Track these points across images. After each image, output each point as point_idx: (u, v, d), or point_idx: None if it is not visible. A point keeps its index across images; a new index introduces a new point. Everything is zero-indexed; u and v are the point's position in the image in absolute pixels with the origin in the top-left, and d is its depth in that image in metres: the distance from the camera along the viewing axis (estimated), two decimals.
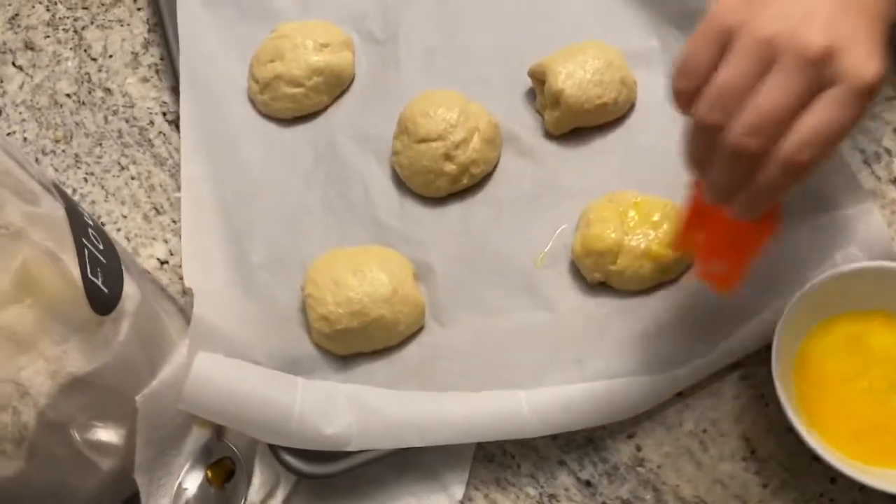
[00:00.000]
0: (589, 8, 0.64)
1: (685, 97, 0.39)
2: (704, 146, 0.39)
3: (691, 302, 0.52)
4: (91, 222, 0.45)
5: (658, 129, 0.59)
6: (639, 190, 0.56)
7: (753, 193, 0.38)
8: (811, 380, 0.48)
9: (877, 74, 0.36)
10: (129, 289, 0.48)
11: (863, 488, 0.48)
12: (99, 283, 0.42)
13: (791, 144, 0.36)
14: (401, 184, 0.60)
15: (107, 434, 0.49)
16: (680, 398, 0.51)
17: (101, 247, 0.44)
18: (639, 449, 0.50)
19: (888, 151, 0.57)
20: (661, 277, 0.53)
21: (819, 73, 0.36)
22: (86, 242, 0.42)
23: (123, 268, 0.48)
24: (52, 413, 0.43)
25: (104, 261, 0.44)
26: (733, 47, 0.37)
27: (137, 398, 0.47)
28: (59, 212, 0.44)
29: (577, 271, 0.55)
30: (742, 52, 0.37)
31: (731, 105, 0.37)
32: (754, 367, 0.51)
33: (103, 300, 0.43)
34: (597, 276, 0.53)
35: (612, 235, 0.52)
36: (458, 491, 0.50)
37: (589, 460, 0.50)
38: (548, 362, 0.51)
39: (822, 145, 0.36)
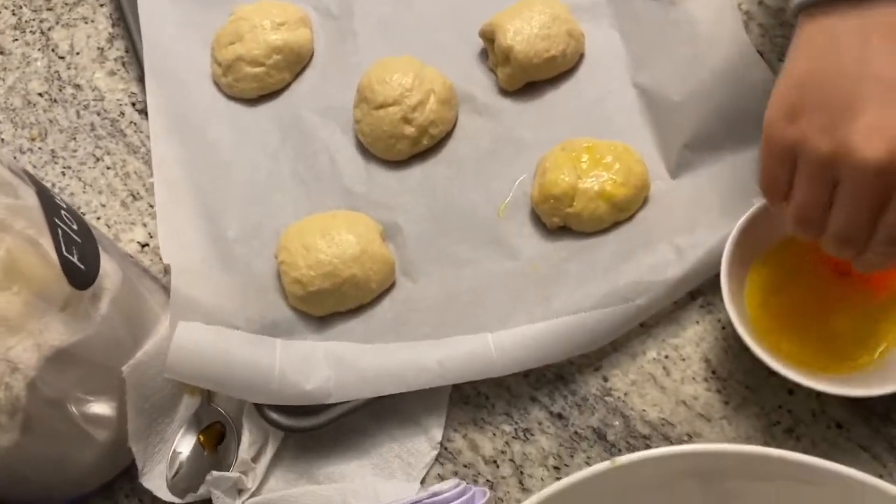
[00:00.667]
0: None
1: (778, 210, 0.43)
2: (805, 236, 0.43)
3: (646, 236, 0.54)
4: (64, 205, 0.48)
5: (606, 79, 0.61)
6: (591, 136, 0.58)
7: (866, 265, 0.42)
8: (764, 300, 0.51)
9: None
10: (108, 267, 0.50)
11: (818, 396, 0.50)
12: (75, 259, 0.45)
13: (878, 245, 0.39)
14: (365, 151, 0.62)
15: (100, 407, 0.52)
16: (643, 329, 0.53)
17: (74, 227, 0.47)
18: (606, 380, 0.53)
19: None
20: (617, 216, 0.55)
21: (882, 183, 0.37)
22: (59, 222, 0.45)
23: (101, 248, 0.50)
24: (46, 388, 0.46)
25: (79, 240, 0.46)
26: (799, 169, 0.40)
27: (123, 369, 0.49)
28: (33, 198, 0.46)
29: (537, 218, 0.57)
30: (807, 177, 0.40)
31: (815, 221, 0.40)
32: (711, 294, 0.54)
33: (80, 276, 0.45)
34: (556, 220, 0.56)
35: (567, 179, 0.55)
36: (437, 433, 0.52)
37: (559, 394, 0.53)
38: (513, 305, 0.53)
39: None
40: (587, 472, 0.39)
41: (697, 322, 0.53)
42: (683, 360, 0.52)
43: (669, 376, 0.52)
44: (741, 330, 0.47)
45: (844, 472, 0.37)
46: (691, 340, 0.53)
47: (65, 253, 0.44)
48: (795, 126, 0.39)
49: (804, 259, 0.51)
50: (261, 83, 0.64)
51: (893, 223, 0.38)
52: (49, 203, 0.45)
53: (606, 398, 0.52)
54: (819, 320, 0.50)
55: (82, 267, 0.46)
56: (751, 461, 0.39)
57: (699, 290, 0.54)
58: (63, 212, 0.47)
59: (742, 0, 0.62)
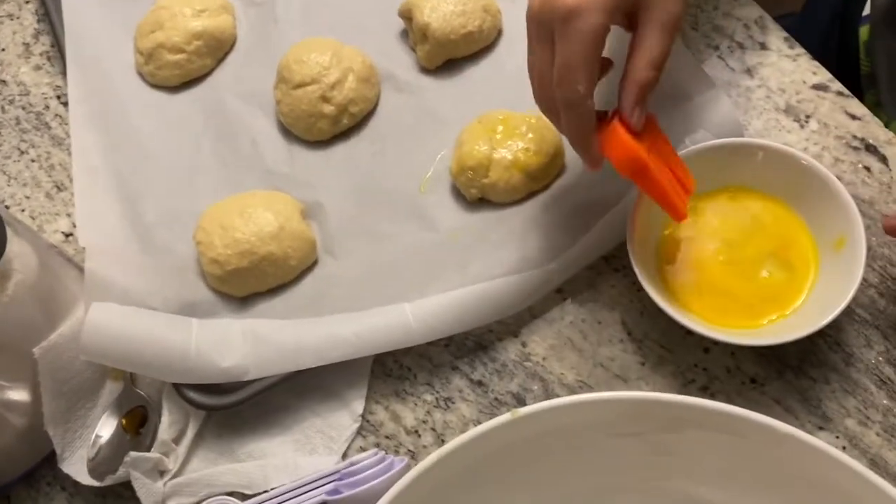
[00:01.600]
0: None
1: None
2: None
3: (559, 204, 0.55)
4: None
5: (522, 51, 0.61)
6: (508, 109, 0.58)
7: (569, 133, 0.48)
8: (675, 260, 0.51)
9: (569, 3, 0.43)
10: (21, 251, 0.50)
11: (733, 354, 0.51)
12: None
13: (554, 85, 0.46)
14: (287, 132, 0.62)
15: (16, 393, 0.51)
16: (560, 294, 0.54)
17: None
18: (524, 345, 0.53)
19: (740, 45, 0.60)
20: (532, 186, 0.56)
21: (547, 26, 0.45)
22: None
23: (14, 233, 0.50)
24: None
25: None
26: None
27: (35, 350, 0.49)
28: None
29: (458, 192, 0.57)
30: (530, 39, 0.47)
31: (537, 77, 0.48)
32: (626, 258, 0.54)
33: None
34: (473, 191, 0.56)
35: (482, 150, 0.55)
36: (359, 406, 0.52)
37: (479, 362, 0.53)
38: (431, 275, 0.53)
39: (568, 81, 0.45)
40: (489, 424, 0.40)
41: (613, 286, 0.54)
42: (600, 323, 0.53)
43: (586, 339, 0.52)
44: (650, 290, 0.47)
45: (742, 414, 0.38)
46: (607, 304, 0.53)
47: None
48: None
49: (711, 217, 0.51)
50: (182, 70, 0.64)
51: (559, 59, 0.45)
52: None
53: (525, 363, 0.52)
54: (730, 281, 0.50)
55: None
56: (646, 407, 0.39)
57: (614, 255, 0.54)
58: None
59: None
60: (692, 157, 0.50)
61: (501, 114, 0.57)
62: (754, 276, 0.50)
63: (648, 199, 0.49)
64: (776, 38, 0.59)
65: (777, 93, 0.58)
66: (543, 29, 0.46)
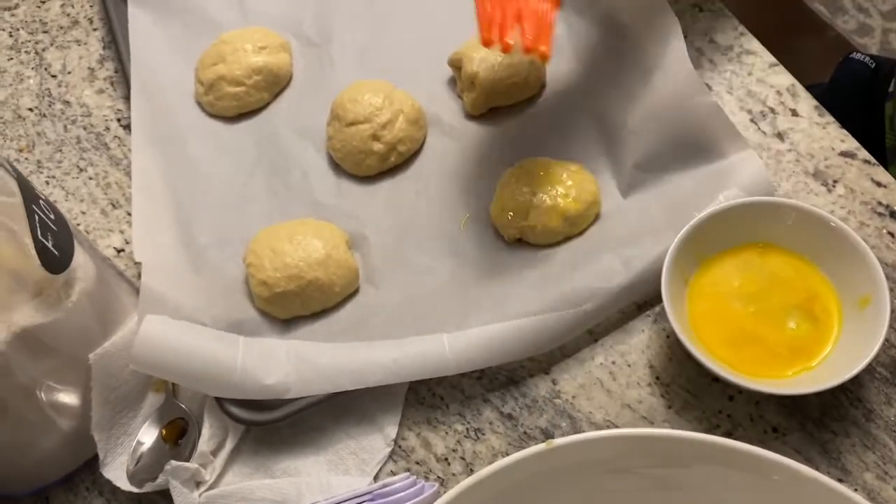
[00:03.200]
0: None
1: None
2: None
3: (596, 248, 0.57)
4: (42, 196, 0.50)
5: (564, 105, 0.64)
6: (548, 157, 0.61)
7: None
8: (705, 309, 0.53)
9: None
10: (82, 259, 0.52)
11: (757, 403, 0.52)
12: (49, 245, 0.47)
13: None
14: (336, 166, 0.65)
15: (67, 396, 0.54)
16: (591, 336, 0.56)
17: (51, 216, 0.49)
18: (555, 383, 0.55)
19: (772, 110, 0.63)
20: (569, 230, 0.58)
21: None
22: (36, 210, 0.47)
23: (76, 242, 0.53)
24: (15, 370, 0.48)
25: (55, 228, 0.49)
26: None
27: (90, 356, 0.51)
28: (12, 185, 0.48)
29: (496, 231, 0.60)
30: None
31: None
32: (657, 304, 0.56)
33: (54, 261, 0.48)
34: (512, 232, 0.59)
35: (522, 195, 0.58)
36: (392, 431, 0.54)
37: (510, 396, 0.55)
38: (468, 308, 0.56)
39: None
40: (524, 453, 0.41)
41: (643, 331, 0.56)
42: (629, 366, 0.55)
43: (616, 381, 0.54)
44: (682, 336, 0.50)
45: (774, 459, 0.40)
46: (637, 348, 0.55)
47: (40, 237, 0.47)
48: None
49: (749, 264, 0.54)
50: (240, 102, 0.68)
51: None
52: (28, 191, 0.48)
53: (555, 400, 0.54)
54: (757, 330, 0.52)
55: (56, 253, 0.48)
56: (678, 445, 0.41)
57: (646, 302, 0.56)
58: (41, 202, 0.49)
59: (695, 38, 0.67)
60: (726, 213, 0.53)
61: (542, 161, 0.60)
62: (781, 326, 0.52)
63: (681, 251, 0.52)
64: (807, 105, 0.63)
65: (806, 157, 0.61)
66: None
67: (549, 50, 0.52)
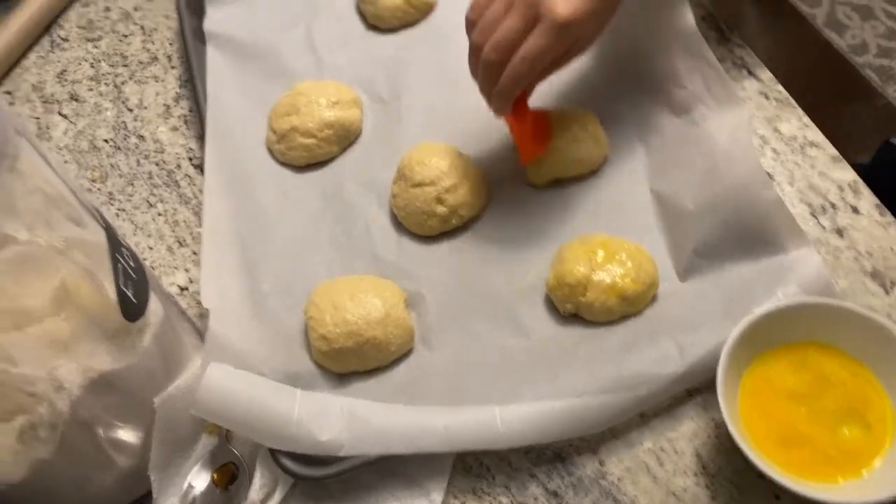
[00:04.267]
0: (571, 77, 0.72)
1: (469, 26, 0.58)
2: (475, 62, 0.58)
3: (652, 331, 0.58)
4: (124, 244, 0.52)
5: (626, 182, 0.66)
6: (608, 233, 0.62)
7: (497, 93, 0.58)
8: (757, 404, 0.54)
9: (566, 15, 0.53)
10: (154, 305, 0.55)
11: None
12: (129, 294, 0.49)
13: (514, 60, 0.55)
14: (398, 224, 0.67)
15: (127, 434, 0.55)
16: (641, 419, 0.56)
17: (132, 264, 0.51)
18: (602, 464, 0.55)
19: (833, 205, 0.63)
20: (626, 310, 0.59)
21: (533, 7, 0.53)
22: (120, 258, 0.49)
23: (149, 285, 0.55)
24: (83, 410, 0.50)
25: (134, 276, 0.51)
26: None
27: (155, 400, 0.53)
28: (100, 234, 0.51)
29: (551, 303, 0.61)
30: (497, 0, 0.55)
31: (488, 32, 0.56)
32: (708, 392, 0.57)
33: (132, 309, 0.50)
34: (568, 307, 0.60)
35: (581, 270, 0.59)
36: (438, 497, 0.55)
37: (557, 473, 0.55)
38: (521, 381, 0.57)
39: (531, 62, 0.55)
40: None
41: (693, 418, 0.56)
42: (677, 453, 0.55)
43: (662, 467, 0.55)
44: (733, 430, 0.50)
45: None
46: (686, 435, 0.56)
47: (122, 287, 0.49)
48: None
49: (804, 363, 0.54)
50: (310, 153, 0.70)
51: (524, 49, 0.54)
52: (114, 240, 0.50)
53: (601, 481, 0.55)
54: (807, 431, 0.53)
55: (135, 301, 0.50)
56: None
57: (697, 389, 0.57)
58: (123, 249, 0.51)
59: (759, 125, 0.68)
60: (784, 311, 0.54)
61: (602, 237, 0.61)
62: (833, 430, 0.52)
63: (737, 346, 0.52)
64: (868, 203, 0.63)
65: (865, 256, 0.61)
66: (524, 6, 0.54)
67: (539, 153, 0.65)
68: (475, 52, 0.58)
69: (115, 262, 0.49)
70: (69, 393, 0.47)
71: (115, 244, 0.50)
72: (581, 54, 0.60)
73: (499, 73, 0.57)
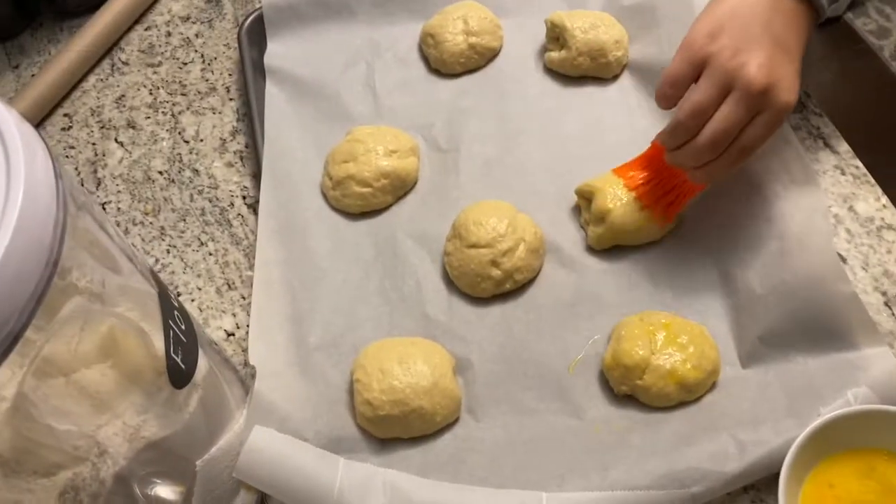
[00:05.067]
0: (635, 134, 0.69)
1: (667, 101, 0.57)
2: (679, 137, 0.56)
3: (710, 422, 0.56)
4: (177, 304, 0.51)
5: (692, 255, 0.63)
6: (669, 309, 0.60)
7: (710, 171, 0.57)
8: None
9: (792, 103, 0.54)
10: (200, 360, 0.54)
11: None
12: (179, 360, 0.48)
13: (733, 149, 0.55)
14: (450, 282, 0.65)
15: (165, 491, 0.54)
16: None
17: (182, 327, 0.50)
18: None
19: None
20: (684, 397, 0.57)
21: (758, 102, 0.53)
22: (171, 325, 0.48)
23: (199, 344, 0.54)
24: (124, 469, 0.49)
25: (185, 340, 0.50)
26: (706, 73, 0.54)
27: (198, 462, 0.52)
28: (151, 291, 0.50)
29: (605, 382, 0.59)
30: (711, 79, 0.54)
31: (702, 117, 0.54)
32: (765, 490, 0.54)
33: (181, 375, 0.49)
34: (624, 388, 0.57)
35: (641, 352, 0.57)
36: None
37: None
38: (571, 467, 0.55)
39: (751, 151, 0.55)
40: None
41: None
42: None
43: None
44: None
45: None
46: None
47: (172, 354, 0.48)
48: (713, 44, 0.55)
49: (872, 472, 0.51)
50: (365, 202, 0.69)
51: (748, 137, 0.54)
52: (167, 304, 0.49)
53: None
54: None
55: (184, 367, 0.49)
56: None
57: (752, 484, 0.54)
58: (176, 311, 0.50)
59: (833, 203, 0.65)
60: (853, 416, 0.51)
61: (665, 317, 0.59)
62: None
63: (804, 446, 0.50)
64: None
65: None
66: (752, 98, 0.53)
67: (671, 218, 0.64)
68: (682, 131, 0.56)
69: (167, 328, 0.48)
70: (114, 460, 0.47)
71: (168, 307, 0.49)
72: None
73: (717, 154, 0.56)
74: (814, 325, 0.56)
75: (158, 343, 0.50)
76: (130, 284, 0.50)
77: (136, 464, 0.49)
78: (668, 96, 0.57)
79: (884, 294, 0.61)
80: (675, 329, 0.58)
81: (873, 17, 2.02)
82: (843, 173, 0.66)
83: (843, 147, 0.67)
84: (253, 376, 0.58)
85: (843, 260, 0.62)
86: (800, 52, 0.57)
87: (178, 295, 0.69)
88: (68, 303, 0.43)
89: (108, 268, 0.48)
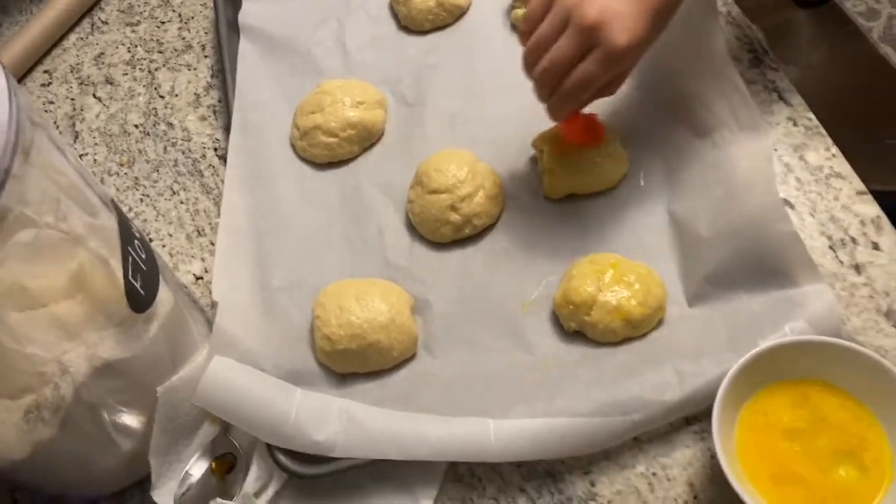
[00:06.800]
0: None
1: (522, 37, 0.59)
2: (527, 70, 0.59)
3: (654, 356, 0.57)
4: (138, 235, 0.54)
5: (642, 201, 0.65)
6: (620, 253, 0.62)
7: (549, 108, 0.60)
8: (753, 438, 0.53)
9: (623, 44, 0.54)
10: (164, 295, 0.56)
11: None
12: (138, 286, 0.51)
13: (565, 84, 0.56)
14: (412, 228, 0.67)
15: (130, 419, 0.57)
16: (636, 442, 0.56)
17: (143, 256, 0.53)
18: (592, 484, 0.56)
19: (853, 240, 0.62)
20: (630, 332, 0.59)
21: (589, 38, 0.54)
22: (131, 251, 0.51)
23: (161, 277, 0.56)
24: (87, 393, 0.51)
25: (144, 268, 0.52)
26: (551, 10, 0.56)
27: (159, 389, 0.55)
28: (113, 223, 0.52)
29: (557, 321, 0.61)
30: (553, 16, 0.56)
31: (540, 50, 0.57)
32: (706, 422, 0.56)
33: (139, 300, 0.51)
34: (573, 325, 0.60)
35: (588, 290, 0.59)
36: None
37: (546, 490, 0.56)
38: (518, 397, 0.57)
39: (582, 86, 0.56)
40: None
41: (688, 446, 0.56)
42: (669, 480, 0.55)
43: (653, 493, 0.55)
44: (724, 464, 0.50)
45: None
46: (679, 462, 0.56)
47: (130, 278, 0.50)
48: None
49: (806, 400, 0.53)
50: (331, 152, 0.71)
51: (576, 74, 0.55)
52: (126, 232, 0.51)
53: (590, 502, 0.55)
54: (801, 471, 0.52)
55: (143, 293, 0.51)
56: None
57: (695, 417, 0.56)
58: (136, 241, 0.53)
59: (785, 153, 0.67)
60: (789, 347, 0.53)
61: (613, 258, 0.61)
62: (827, 471, 0.52)
63: (738, 379, 0.52)
64: (890, 240, 0.62)
65: (881, 295, 0.60)
66: (582, 33, 0.54)
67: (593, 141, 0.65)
68: (527, 64, 0.59)
69: (125, 253, 0.50)
70: (73, 378, 0.49)
71: (128, 236, 0.51)
72: (624, 81, 0.60)
73: (551, 88, 0.58)
74: (757, 264, 0.58)
75: (121, 274, 0.52)
76: (98, 223, 0.52)
77: (95, 383, 0.51)
78: (521, 32, 0.59)
79: (829, 238, 0.63)
80: (623, 269, 0.60)
81: None
82: (795, 125, 0.68)
83: (797, 100, 0.69)
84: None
85: (791, 206, 0.64)
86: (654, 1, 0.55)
87: (151, 241, 0.71)
88: (22, 232, 0.45)
89: (69, 196, 0.50)
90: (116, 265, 0.52)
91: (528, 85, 0.73)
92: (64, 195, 0.48)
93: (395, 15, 0.80)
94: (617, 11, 0.53)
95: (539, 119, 0.69)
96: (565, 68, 0.56)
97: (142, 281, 0.51)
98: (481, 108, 0.72)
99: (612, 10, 0.53)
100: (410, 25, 0.79)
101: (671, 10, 0.57)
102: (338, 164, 0.72)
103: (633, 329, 0.59)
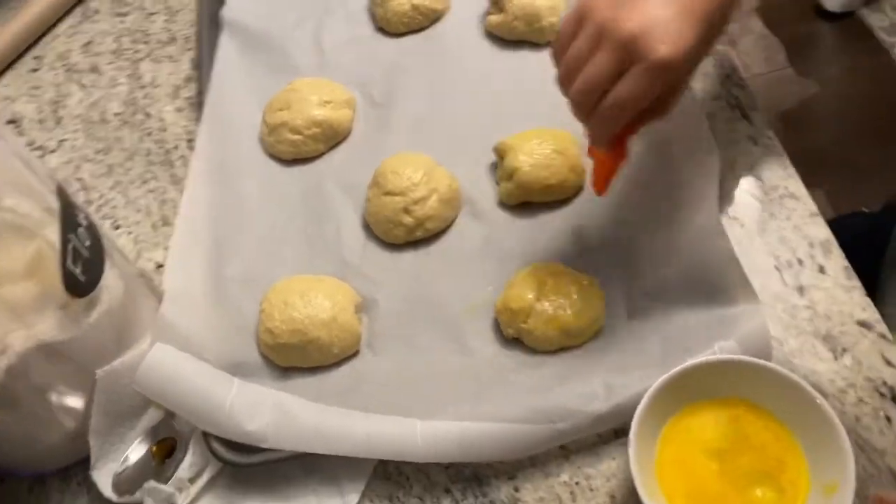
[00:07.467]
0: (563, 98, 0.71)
1: (554, 55, 0.55)
2: (563, 91, 0.54)
3: (587, 367, 0.58)
4: (85, 222, 0.55)
5: (594, 215, 0.65)
6: (564, 263, 0.63)
7: (591, 129, 0.54)
8: (675, 454, 0.54)
9: (667, 56, 0.47)
10: (111, 281, 0.58)
11: None
12: (77, 272, 0.52)
13: (603, 105, 0.51)
14: (368, 228, 0.68)
15: (74, 400, 0.59)
16: (562, 451, 0.57)
17: (87, 243, 0.54)
18: (516, 490, 0.56)
19: (800, 262, 0.62)
20: (566, 342, 0.60)
21: (627, 52, 0.48)
22: (72, 238, 0.52)
23: (110, 264, 0.58)
24: (29, 373, 0.53)
25: (87, 255, 0.54)
26: (584, 26, 0.51)
27: (98, 372, 0.56)
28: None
29: (497, 326, 0.62)
30: (586, 31, 0.51)
31: (574, 70, 0.51)
32: None
33: (78, 286, 0.53)
34: (510, 331, 0.60)
35: (527, 297, 0.59)
36: (353, 499, 0.57)
37: (471, 492, 0.57)
38: (448, 399, 0.58)
39: (622, 108, 0.50)
40: None
41: (614, 458, 0.56)
42: (591, 490, 0.56)
43: (574, 502, 0.55)
44: (636, 478, 0.50)
45: None
46: (604, 474, 0.56)
47: (68, 264, 0.51)
48: (593, 2, 0.51)
49: (731, 422, 0.54)
50: (296, 149, 0.72)
51: (615, 94, 0.49)
52: (70, 220, 0.53)
53: None
54: (718, 489, 0.52)
55: (82, 279, 0.53)
56: None
57: (623, 430, 0.57)
58: (81, 228, 0.54)
59: (742, 171, 0.67)
60: (715, 365, 0.53)
61: (557, 267, 0.62)
62: (744, 491, 0.52)
63: (661, 395, 0.52)
64: (836, 265, 0.62)
65: (822, 318, 0.60)
66: (619, 47, 0.48)
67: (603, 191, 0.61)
68: (563, 87, 0.54)
69: (65, 242, 0.52)
70: (7, 357, 0.51)
71: (72, 223, 0.53)
72: (677, 100, 0.54)
73: (588, 109, 0.52)
74: (695, 281, 0.58)
75: None
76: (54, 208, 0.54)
77: (37, 364, 0.53)
78: (553, 49, 0.54)
79: (776, 258, 0.63)
80: (564, 279, 0.61)
81: (888, 14, 1.99)
82: (755, 143, 0.68)
83: (759, 118, 0.69)
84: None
85: (742, 225, 0.64)
86: (703, 5, 0.49)
87: (118, 228, 0.73)
88: None
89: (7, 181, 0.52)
90: None
91: (494, 90, 0.74)
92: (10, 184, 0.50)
93: (372, 16, 0.81)
94: (657, 18, 0.47)
95: (502, 125, 0.70)
96: (602, 87, 0.50)
97: (82, 267, 0.53)
98: (446, 112, 0.73)
99: (652, 18, 0.47)
100: (386, 27, 0.80)
101: (723, 20, 0.51)
102: (303, 162, 0.73)
103: (570, 339, 0.59)
